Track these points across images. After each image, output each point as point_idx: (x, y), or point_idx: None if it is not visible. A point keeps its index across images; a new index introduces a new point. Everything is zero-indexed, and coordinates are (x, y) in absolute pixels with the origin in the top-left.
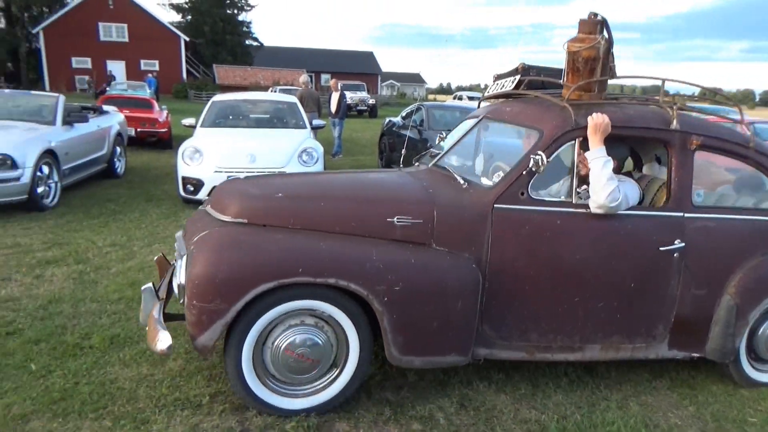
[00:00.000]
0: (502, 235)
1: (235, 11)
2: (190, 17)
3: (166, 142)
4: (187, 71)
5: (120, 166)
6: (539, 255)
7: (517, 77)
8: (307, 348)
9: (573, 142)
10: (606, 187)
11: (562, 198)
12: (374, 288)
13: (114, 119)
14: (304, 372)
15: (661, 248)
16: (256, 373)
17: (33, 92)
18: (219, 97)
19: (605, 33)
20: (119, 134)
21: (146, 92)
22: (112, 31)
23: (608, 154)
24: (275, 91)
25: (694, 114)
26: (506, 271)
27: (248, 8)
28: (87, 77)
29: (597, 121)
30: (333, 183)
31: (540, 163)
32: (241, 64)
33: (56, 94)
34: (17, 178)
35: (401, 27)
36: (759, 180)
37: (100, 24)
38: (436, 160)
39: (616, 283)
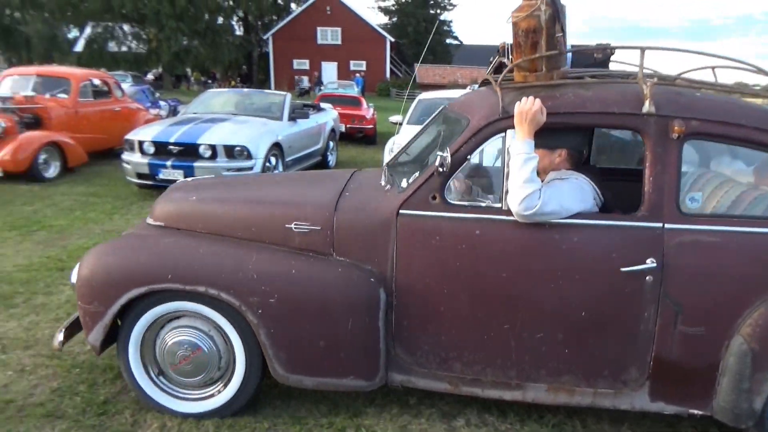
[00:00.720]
0: (410, 246)
1: (438, 11)
2: (396, 19)
3: (371, 138)
4: (390, 70)
5: (332, 159)
6: (455, 271)
7: (497, 58)
8: (189, 351)
9: (503, 134)
10: (519, 190)
11: (488, 203)
12: (247, 299)
13: (329, 116)
14: (188, 375)
15: (623, 269)
16: (146, 371)
17: (265, 91)
18: (424, 96)
19: None
20: (333, 130)
21: (354, 90)
22: (328, 35)
23: (563, 146)
24: (473, 89)
25: (686, 90)
26: (416, 288)
27: (450, 7)
28: (305, 77)
29: (522, 108)
30: (249, 185)
31: (444, 162)
32: (441, 63)
33: (284, 93)
34: (251, 167)
35: (607, 20)
36: None
37: (318, 29)
38: (391, 158)
39: (559, 310)
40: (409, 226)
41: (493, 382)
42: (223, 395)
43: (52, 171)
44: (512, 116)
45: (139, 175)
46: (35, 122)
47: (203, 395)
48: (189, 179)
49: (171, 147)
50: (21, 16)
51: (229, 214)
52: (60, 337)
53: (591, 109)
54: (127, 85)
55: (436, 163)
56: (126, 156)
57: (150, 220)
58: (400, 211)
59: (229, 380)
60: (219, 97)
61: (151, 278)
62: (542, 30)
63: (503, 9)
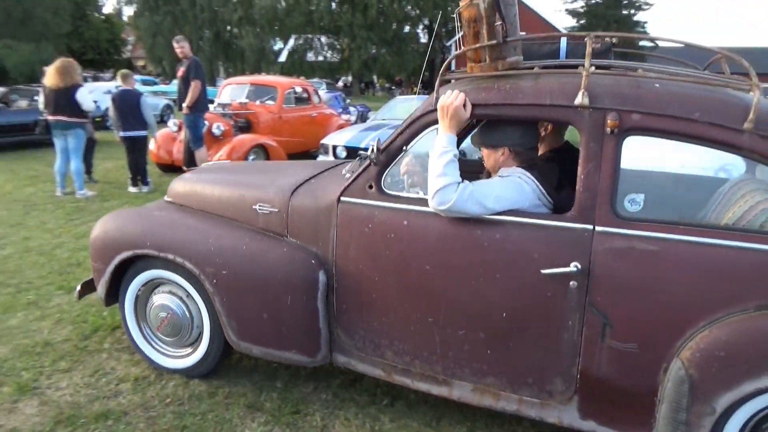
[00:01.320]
0: (347, 232)
1: (632, 11)
2: (584, 21)
3: None
4: None
5: None
6: (384, 259)
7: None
8: (166, 312)
9: (434, 126)
10: (432, 185)
11: (420, 195)
12: (204, 269)
13: None
14: (168, 335)
15: (543, 270)
16: (139, 327)
17: None
18: None
19: None
20: None
21: None
22: None
23: (505, 143)
24: None
25: (642, 81)
26: (352, 273)
27: (646, 7)
28: None
29: (444, 103)
30: (246, 169)
31: (371, 151)
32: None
33: None
34: None
35: None
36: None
37: None
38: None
39: (480, 309)
40: (347, 213)
41: (421, 374)
42: (192, 357)
43: None
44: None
45: None
46: (246, 126)
47: (180, 355)
48: (211, 163)
49: (362, 152)
50: (238, 32)
51: (213, 194)
52: (78, 288)
53: (522, 101)
54: (322, 92)
55: (369, 154)
56: (320, 159)
57: (165, 197)
58: (341, 198)
59: (199, 344)
60: (405, 104)
61: (135, 244)
62: (482, 19)
63: (703, 7)
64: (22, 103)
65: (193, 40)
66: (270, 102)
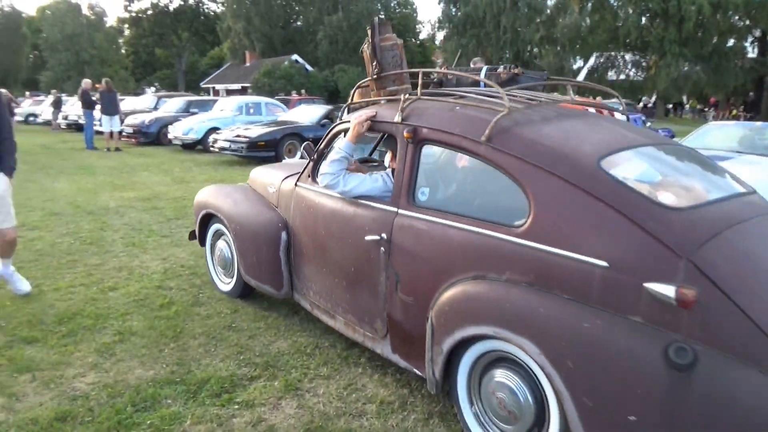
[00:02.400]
0: (297, 207)
1: None
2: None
3: None
4: None
5: None
6: (308, 226)
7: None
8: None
9: (342, 135)
10: (323, 169)
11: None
12: (229, 224)
13: None
14: (222, 265)
15: (366, 237)
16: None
17: None
18: None
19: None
20: None
21: None
22: None
23: (386, 147)
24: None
25: (442, 104)
26: (297, 235)
27: None
28: None
29: (352, 119)
30: (280, 166)
31: (308, 153)
32: None
33: None
34: None
35: None
36: (488, 181)
37: None
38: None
39: (340, 262)
40: (298, 194)
41: (322, 309)
42: (231, 284)
43: None
44: (345, 122)
45: None
46: None
47: (224, 281)
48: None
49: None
50: (538, 51)
51: (258, 179)
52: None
53: (378, 119)
54: (618, 115)
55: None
56: None
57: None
58: (297, 183)
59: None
60: (720, 131)
61: (209, 207)
62: (367, 60)
63: None
64: None
65: (492, 61)
66: None
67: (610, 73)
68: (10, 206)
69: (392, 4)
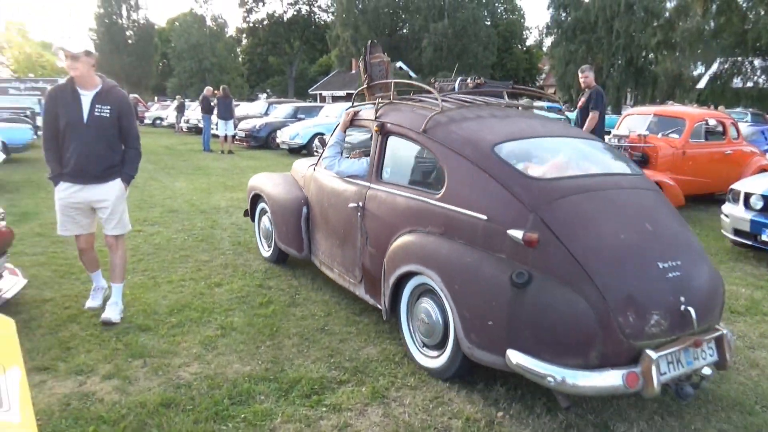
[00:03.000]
0: (311, 187)
1: None
2: None
3: None
4: None
5: None
6: (317, 200)
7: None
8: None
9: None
10: (324, 154)
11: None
12: (266, 199)
13: None
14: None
15: (349, 205)
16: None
17: None
18: None
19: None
20: None
21: None
22: None
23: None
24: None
25: (404, 106)
26: (312, 208)
27: None
28: None
29: (342, 117)
30: (313, 158)
31: (318, 146)
32: None
33: None
34: None
35: None
36: (425, 162)
37: None
38: None
39: (335, 226)
40: (314, 177)
41: (327, 265)
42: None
43: None
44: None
45: (737, 232)
46: (642, 161)
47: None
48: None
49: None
50: (654, 57)
51: (296, 168)
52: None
53: (360, 117)
54: (744, 125)
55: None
56: (727, 207)
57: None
58: (314, 169)
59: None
60: None
61: (256, 190)
62: (361, 72)
63: None
64: None
65: (603, 68)
66: (674, 135)
67: (735, 80)
68: (125, 212)
69: (499, 10)
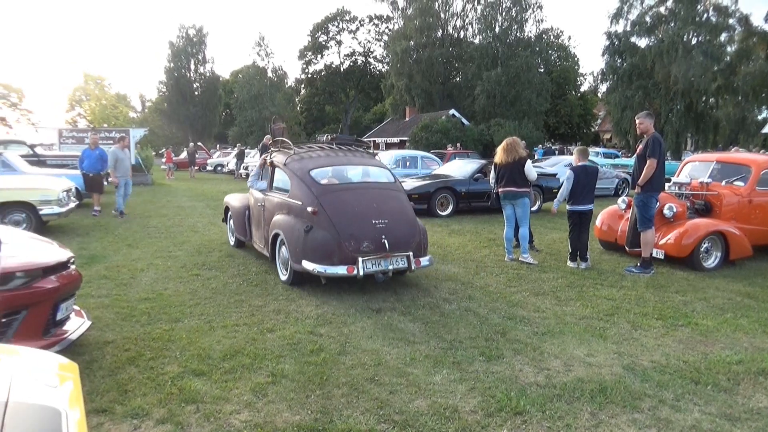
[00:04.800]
0: (250, 199)
1: None
2: None
3: None
4: None
5: None
6: (251, 206)
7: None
8: None
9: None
10: (249, 181)
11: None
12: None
13: None
14: None
15: (258, 204)
16: None
17: None
18: None
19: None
20: None
21: None
22: None
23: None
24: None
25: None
26: (251, 210)
27: None
28: None
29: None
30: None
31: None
32: None
33: None
34: None
35: None
36: (285, 179)
37: None
38: None
39: (257, 217)
40: (250, 192)
41: (256, 243)
42: None
43: (712, 261)
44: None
45: None
46: (705, 209)
47: None
48: None
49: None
50: (714, 102)
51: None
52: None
53: (269, 159)
54: None
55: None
56: None
57: None
58: (250, 188)
59: None
60: None
61: (227, 203)
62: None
63: None
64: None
65: (661, 113)
66: (739, 183)
67: None
68: None
69: (552, 57)
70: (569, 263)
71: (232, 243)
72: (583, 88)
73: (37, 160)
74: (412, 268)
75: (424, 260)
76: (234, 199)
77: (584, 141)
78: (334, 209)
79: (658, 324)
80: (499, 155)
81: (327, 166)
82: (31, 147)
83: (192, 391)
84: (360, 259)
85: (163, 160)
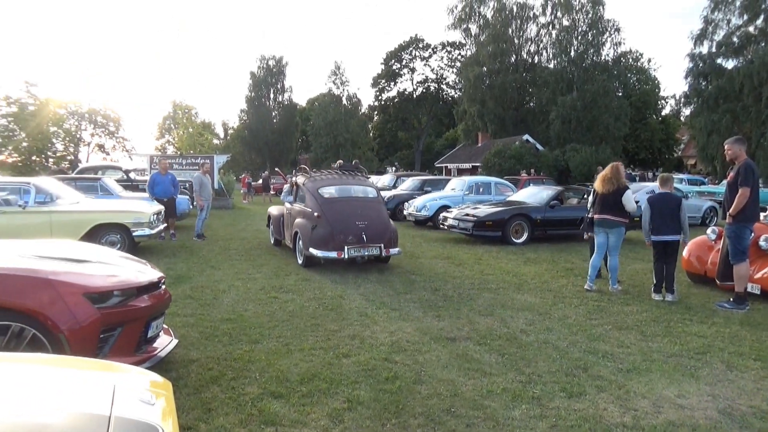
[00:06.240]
0: (284, 209)
1: None
2: None
3: None
4: None
5: None
6: (285, 213)
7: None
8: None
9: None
10: (282, 197)
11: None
12: None
13: None
14: None
15: (286, 212)
16: None
17: None
18: None
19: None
20: None
21: None
22: None
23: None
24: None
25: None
26: (284, 217)
27: None
28: None
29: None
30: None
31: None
32: None
33: None
34: None
35: None
36: (304, 194)
37: None
38: None
39: (287, 222)
40: (284, 205)
41: (287, 242)
42: None
43: None
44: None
45: None
46: None
47: None
48: None
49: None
50: None
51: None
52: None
53: (295, 182)
54: None
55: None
56: None
57: None
58: (285, 202)
59: None
60: None
61: (269, 213)
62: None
63: None
64: (573, 201)
65: (752, 138)
66: None
67: None
68: None
69: (631, 81)
70: (654, 295)
71: (272, 242)
72: (665, 111)
73: (130, 185)
74: (383, 254)
75: (393, 250)
76: (274, 210)
77: (666, 167)
78: (331, 214)
79: (756, 365)
80: (599, 181)
81: (331, 185)
82: (126, 172)
83: (271, 413)
84: (346, 247)
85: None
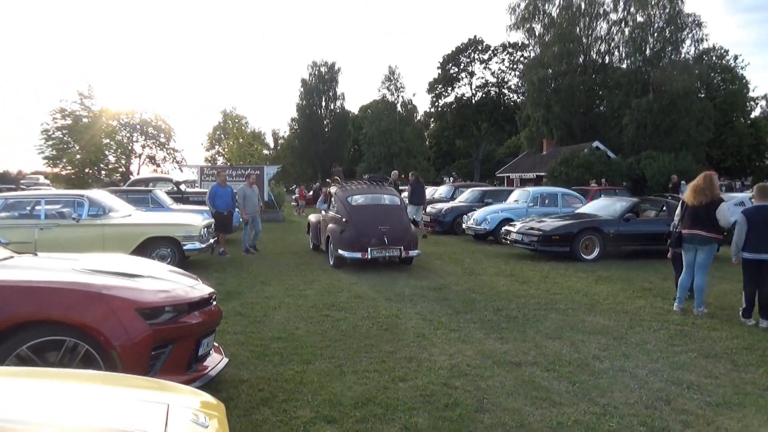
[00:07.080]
0: (320, 216)
1: None
2: None
3: None
4: None
5: None
6: (321, 220)
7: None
8: None
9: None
10: (318, 205)
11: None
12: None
13: None
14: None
15: (321, 217)
16: None
17: None
18: None
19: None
20: None
21: None
22: None
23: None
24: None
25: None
26: (321, 223)
27: None
28: None
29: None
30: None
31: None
32: None
33: None
34: None
35: None
36: (334, 202)
37: None
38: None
39: (321, 227)
40: (321, 212)
41: (322, 246)
42: None
43: None
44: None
45: None
46: None
47: None
48: None
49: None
50: None
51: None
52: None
53: (331, 190)
54: None
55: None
56: None
57: None
58: (321, 210)
59: None
60: None
61: (309, 221)
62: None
63: None
64: (651, 213)
65: None
66: None
67: None
68: None
69: (715, 80)
70: (744, 320)
71: (311, 247)
72: (755, 114)
73: (180, 197)
74: (402, 255)
75: (413, 252)
76: (312, 217)
77: (757, 176)
78: (357, 219)
79: None
80: (690, 192)
81: (359, 194)
82: (176, 184)
83: None
84: (369, 248)
85: (294, 196)
